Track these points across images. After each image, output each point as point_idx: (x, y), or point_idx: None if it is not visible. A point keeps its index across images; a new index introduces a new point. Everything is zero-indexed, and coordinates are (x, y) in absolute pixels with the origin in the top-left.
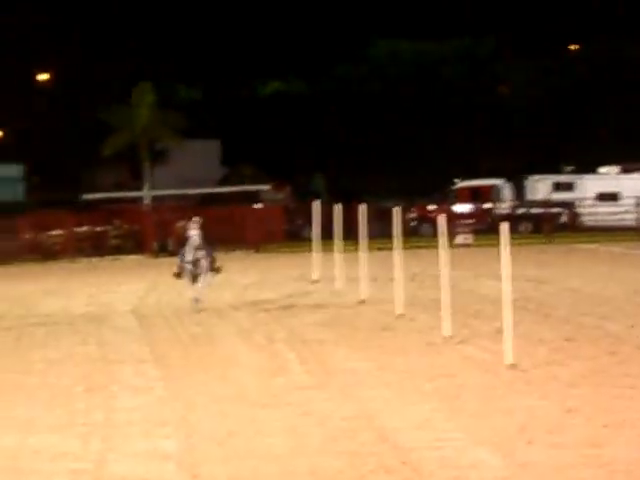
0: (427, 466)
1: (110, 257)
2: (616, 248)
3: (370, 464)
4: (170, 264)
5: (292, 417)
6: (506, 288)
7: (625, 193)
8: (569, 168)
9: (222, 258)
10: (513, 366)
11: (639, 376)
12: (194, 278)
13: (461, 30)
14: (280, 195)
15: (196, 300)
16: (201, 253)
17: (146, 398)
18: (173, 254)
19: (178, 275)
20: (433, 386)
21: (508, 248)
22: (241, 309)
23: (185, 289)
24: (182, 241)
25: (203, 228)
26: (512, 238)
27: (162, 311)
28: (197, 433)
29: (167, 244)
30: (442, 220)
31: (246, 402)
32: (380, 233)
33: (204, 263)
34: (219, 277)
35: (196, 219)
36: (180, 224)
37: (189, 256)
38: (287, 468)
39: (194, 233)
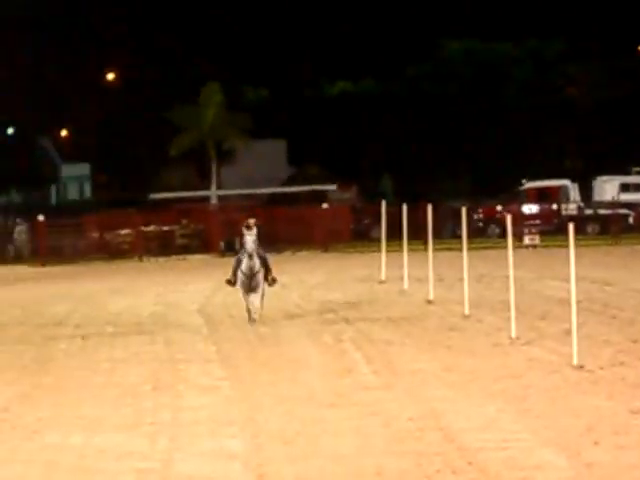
0: (493, 467)
1: (177, 256)
2: None
3: (436, 464)
4: None
5: (358, 417)
6: (572, 289)
7: None
8: (637, 169)
9: (289, 258)
10: (579, 367)
11: None
12: (249, 290)
13: (531, 31)
14: (347, 195)
15: (252, 321)
16: (257, 263)
17: (213, 398)
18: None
19: (231, 283)
20: (499, 387)
21: (574, 249)
22: (308, 309)
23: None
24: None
25: (260, 232)
26: (579, 239)
27: (229, 310)
28: (263, 433)
29: (234, 243)
30: (509, 221)
31: (313, 402)
32: (447, 234)
33: (260, 277)
34: (285, 278)
35: (251, 222)
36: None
37: (244, 265)
38: (353, 468)
39: (249, 239)
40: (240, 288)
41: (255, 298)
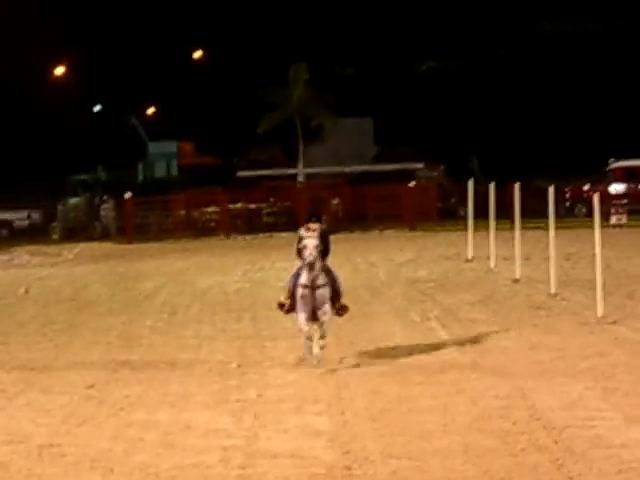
0: (579, 445)
1: (263, 234)
2: None
3: (522, 443)
4: None
5: (445, 395)
6: None
7: None
8: None
9: (376, 237)
10: None
11: None
12: (310, 309)
13: (620, 10)
14: (434, 174)
15: (315, 357)
16: (321, 277)
17: (298, 375)
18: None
19: (283, 307)
20: (586, 365)
21: None
22: (396, 287)
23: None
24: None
25: (326, 235)
26: None
27: None
28: (349, 410)
29: (321, 221)
30: (596, 200)
31: (399, 380)
32: (534, 213)
33: (325, 293)
34: (372, 256)
35: (314, 226)
36: (335, 201)
37: (303, 277)
38: (439, 445)
39: (311, 244)
40: (298, 309)
41: (321, 322)
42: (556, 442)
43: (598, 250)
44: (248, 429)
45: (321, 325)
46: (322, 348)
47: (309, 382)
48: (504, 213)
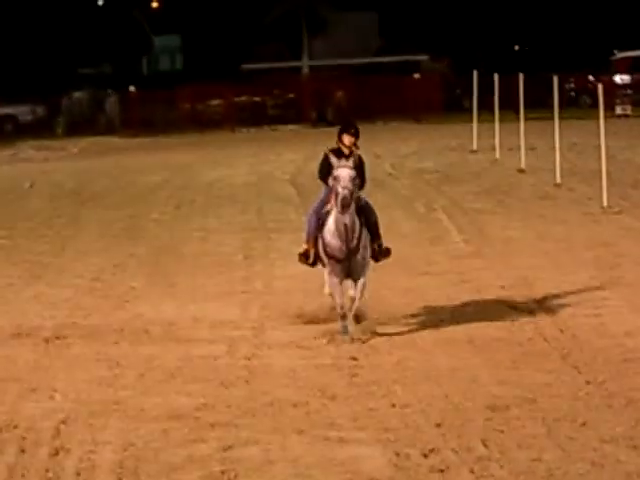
0: (584, 334)
1: (268, 127)
2: None
3: (528, 332)
4: (328, 134)
5: (450, 285)
6: None
7: None
8: None
9: (381, 129)
10: None
11: None
12: (343, 273)
13: None
14: (438, 66)
15: (344, 329)
16: (357, 223)
17: (304, 266)
18: (332, 124)
19: (307, 258)
20: (592, 255)
21: None
22: (401, 178)
23: None
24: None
25: (360, 159)
26: None
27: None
28: None
29: (326, 113)
30: (601, 90)
31: (405, 270)
32: (539, 104)
33: (363, 250)
34: (377, 148)
35: (349, 140)
36: (339, 93)
37: (333, 225)
38: (445, 335)
39: (344, 174)
40: (328, 269)
41: (357, 285)
42: (562, 331)
43: (603, 140)
44: (255, 320)
45: (360, 288)
46: (358, 320)
47: (315, 273)
48: (509, 105)
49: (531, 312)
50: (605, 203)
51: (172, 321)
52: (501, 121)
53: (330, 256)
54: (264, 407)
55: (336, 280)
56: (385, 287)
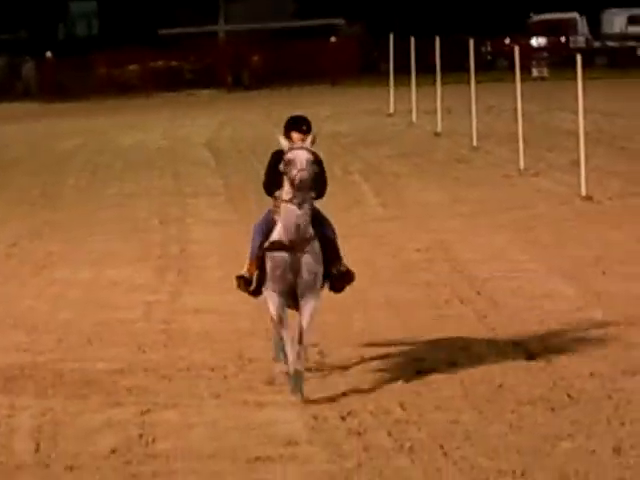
0: (501, 296)
1: (185, 92)
2: None
3: (445, 294)
4: (244, 99)
5: (368, 249)
6: (580, 121)
7: None
8: None
9: (297, 93)
10: (588, 198)
11: None
12: (288, 288)
13: None
14: (354, 29)
15: (292, 368)
16: (310, 230)
17: (221, 230)
18: (248, 88)
19: (247, 282)
20: (508, 218)
21: (582, 82)
22: (317, 142)
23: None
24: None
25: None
26: (587, 72)
27: (236, 145)
28: None
29: (242, 78)
30: (517, 53)
31: None
32: (455, 67)
33: (314, 262)
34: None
35: (298, 137)
36: (255, 58)
37: (284, 228)
38: (363, 297)
39: (304, 156)
40: (269, 284)
41: (304, 310)
42: (478, 293)
43: (519, 103)
44: (171, 285)
45: (306, 318)
46: (300, 357)
47: (230, 237)
48: (426, 68)
49: (448, 275)
50: (522, 166)
51: (89, 286)
52: (417, 84)
53: (274, 265)
54: (181, 371)
55: (277, 298)
56: None
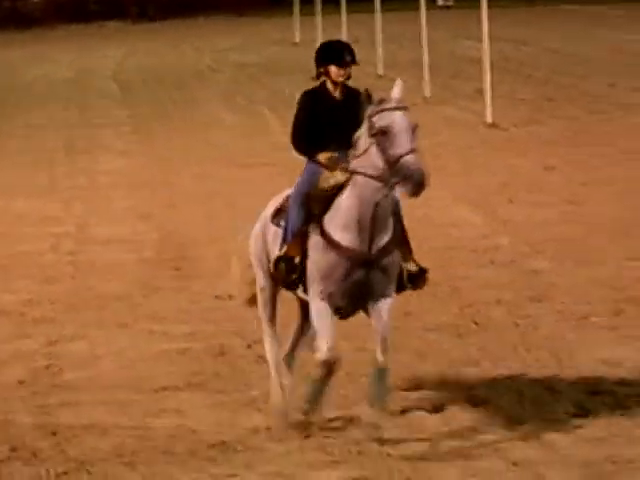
0: (409, 224)
1: (90, 23)
2: (597, 8)
3: None
4: (150, 31)
5: (273, 176)
6: (485, 48)
7: None
8: None
9: (202, 23)
10: (493, 125)
11: (617, 133)
12: (346, 300)
13: None
14: None
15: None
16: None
17: (127, 161)
18: (153, 19)
19: (286, 267)
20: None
21: (487, 10)
22: (223, 72)
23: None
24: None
25: None
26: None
27: (142, 75)
28: (178, 194)
29: (147, 9)
30: None
31: (227, 163)
32: None
33: (390, 266)
34: (198, 41)
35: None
36: None
37: (350, 217)
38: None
39: (405, 123)
40: (316, 289)
41: (379, 312)
42: None
43: (424, 31)
44: (78, 216)
45: (384, 322)
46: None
47: (137, 168)
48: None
49: None
50: (427, 94)
51: None
52: (323, 14)
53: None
54: (88, 302)
55: (330, 333)
56: (208, 179)
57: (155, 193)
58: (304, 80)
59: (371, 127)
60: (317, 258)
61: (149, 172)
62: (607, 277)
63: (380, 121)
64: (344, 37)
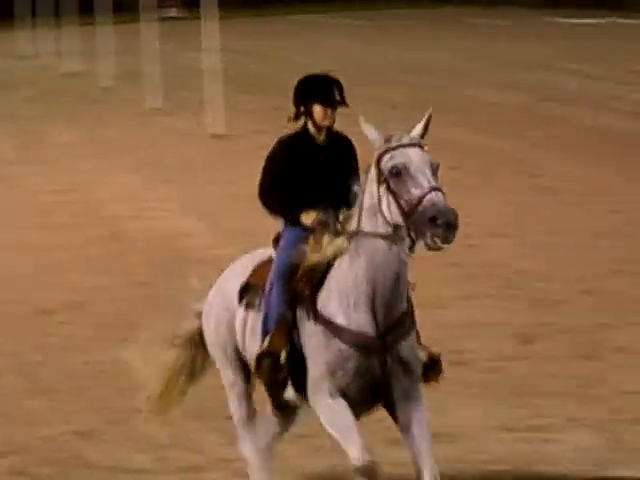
0: (137, 234)
1: None
2: (319, 17)
3: (81, 237)
4: None
5: (1, 191)
6: (212, 59)
7: None
8: None
9: None
10: (219, 136)
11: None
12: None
13: None
14: None
15: None
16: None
17: None
18: None
19: (271, 365)
20: (141, 158)
21: (210, 19)
22: None
23: None
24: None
25: None
26: (221, 11)
27: None
28: None
29: None
30: None
31: None
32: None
33: (410, 350)
34: None
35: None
36: None
37: (361, 290)
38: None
39: (422, 160)
40: (326, 386)
41: (415, 419)
42: (114, 233)
43: (150, 43)
44: None
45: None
46: None
47: None
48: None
49: (84, 216)
50: (153, 105)
51: None
52: (58, 26)
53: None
54: None
55: (340, 403)
56: None
57: None
58: (32, 93)
59: (380, 172)
60: (317, 351)
61: None
62: None
63: (391, 161)
64: (66, 48)
